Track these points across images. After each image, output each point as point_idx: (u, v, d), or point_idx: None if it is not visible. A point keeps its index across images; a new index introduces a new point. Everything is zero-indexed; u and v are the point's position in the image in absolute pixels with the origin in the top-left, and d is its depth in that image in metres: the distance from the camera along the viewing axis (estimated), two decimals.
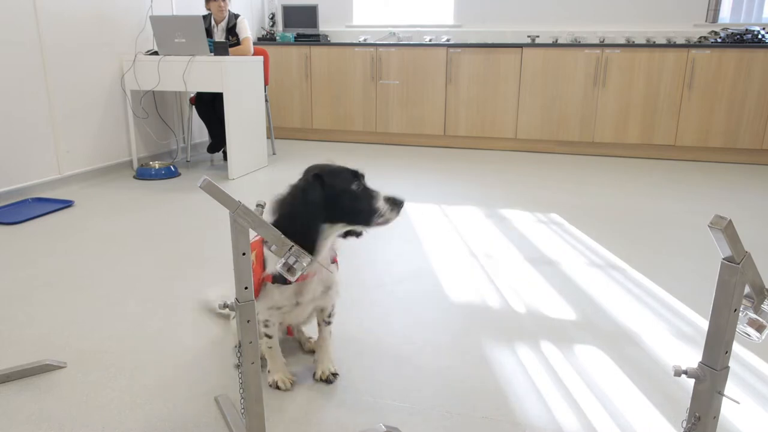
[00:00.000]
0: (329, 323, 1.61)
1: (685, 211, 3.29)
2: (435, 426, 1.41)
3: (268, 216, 1.33)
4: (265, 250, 1.42)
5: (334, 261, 1.52)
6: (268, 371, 1.58)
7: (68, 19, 3.63)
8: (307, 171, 1.39)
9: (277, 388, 1.56)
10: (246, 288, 1.16)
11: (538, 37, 5.21)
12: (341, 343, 1.81)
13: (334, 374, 1.60)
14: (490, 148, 5.27)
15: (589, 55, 4.78)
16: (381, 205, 1.37)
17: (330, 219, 1.37)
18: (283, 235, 1.19)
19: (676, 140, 4.75)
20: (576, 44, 4.85)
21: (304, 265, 1.19)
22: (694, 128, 4.70)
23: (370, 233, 2.63)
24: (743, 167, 4.57)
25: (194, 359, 1.70)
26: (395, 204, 1.38)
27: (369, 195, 1.37)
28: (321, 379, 1.59)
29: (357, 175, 1.38)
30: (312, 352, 1.75)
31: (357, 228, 1.45)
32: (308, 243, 1.31)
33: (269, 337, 1.55)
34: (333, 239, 1.45)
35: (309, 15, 5.81)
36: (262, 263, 1.44)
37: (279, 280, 1.42)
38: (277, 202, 1.35)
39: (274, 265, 1.34)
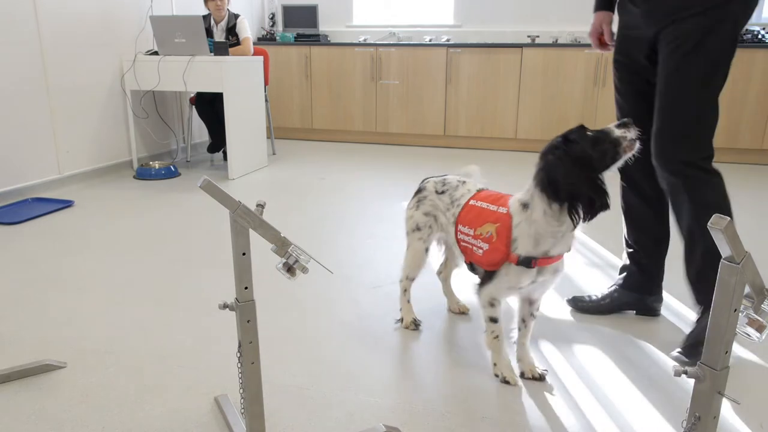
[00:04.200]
0: (535, 317, 1.63)
1: None
2: (435, 426, 1.41)
3: (538, 192, 1.39)
4: (521, 231, 1.44)
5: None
6: (494, 364, 1.61)
7: (68, 19, 3.63)
8: (550, 147, 1.42)
9: (506, 382, 1.57)
10: (246, 288, 1.16)
11: (538, 37, 5.21)
12: (341, 343, 1.81)
13: (546, 370, 1.63)
14: (490, 148, 5.27)
15: (589, 55, 4.78)
16: (618, 134, 1.39)
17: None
18: (283, 235, 1.19)
19: None
20: (576, 44, 4.85)
21: (304, 265, 1.19)
22: None
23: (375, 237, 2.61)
24: (743, 167, 4.56)
25: (194, 359, 1.70)
26: (624, 125, 1.40)
27: (606, 134, 1.39)
28: (533, 377, 1.60)
29: (581, 127, 1.42)
30: (461, 312, 1.94)
31: (615, 167, 1.44)
32: (604, 195, 1.36)
33: (494, 321, 1.57)
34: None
35: (309, 15, 5.81)
36: (507, 242, 1.45)
37: (525, 263, 1.44)
38: (552, 172, 1.38)
39: (528, 247, 1.42)
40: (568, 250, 1.48)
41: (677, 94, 1.61)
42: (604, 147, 1.38)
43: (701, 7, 1.54)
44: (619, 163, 1.41)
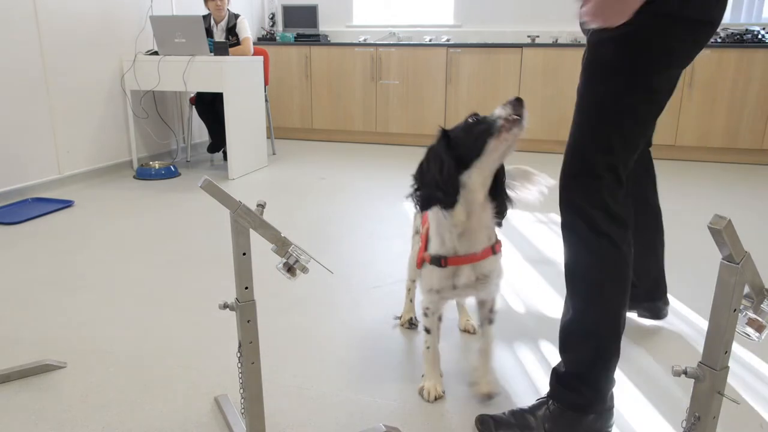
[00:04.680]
0: (491, 321, 1.53)
1: (685, 211, 3.29)
2: (435, 426, 1.41)
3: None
4: (431, 230, 1.43)
5: (497, 249, 1.43)
6: (422, 375, 1.57)
7: (68, 19, 3.63)
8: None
9: (421, 395, 1.52)
10: (246, 288, 1.16)
11: (538, 37, 5.21)
12: (341, 343, 1.81)
13: (499, 393, 1.55)
14: None
15: None
16: (497, 114, 1.25)
17: (464, 162, 1.29)
18: (283, 235, 1.19)
19: (676, 140, 4.75)
20: (576, 44, 4.85)
21: (304, 264, 1.19)
22: (694, 128, 4.70)
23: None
24: (743, 167, 4.56)
25: (194, 359, 1.70)
26: (509, 104, 1.25)
27: (485, 118, 1.28)
28: (480, 393, 1.53)
29: (472, 115, 1.33)
30: (465, 331, 1.86)
31: (495, 149, 1.27)
32: (450, 193, 1.29)
33: (428, 331, 1.54)
34: (484, 199, 1.35)
35: (309, 15, 5.81)
36: (426, 242, 1.45)
37: (435, 262, 1.42)
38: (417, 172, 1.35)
39: (436, 246, 1.40)
40: (489, 250, 1.40)
41: (575, 115, 1.29)
42: (478, 129, 1.26)
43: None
44: (501, 146, 1.25)
